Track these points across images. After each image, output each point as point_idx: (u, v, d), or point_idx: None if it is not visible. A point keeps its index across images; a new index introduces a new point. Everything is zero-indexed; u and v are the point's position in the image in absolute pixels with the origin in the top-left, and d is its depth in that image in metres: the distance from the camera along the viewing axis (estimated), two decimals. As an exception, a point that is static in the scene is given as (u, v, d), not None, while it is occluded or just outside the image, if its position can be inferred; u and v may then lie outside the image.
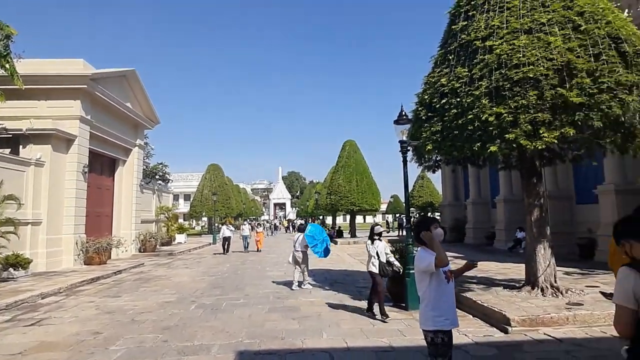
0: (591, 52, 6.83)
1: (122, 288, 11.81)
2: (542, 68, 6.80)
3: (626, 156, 11.17)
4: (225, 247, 21.87)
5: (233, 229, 24.42)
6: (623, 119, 6.66)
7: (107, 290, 11.44)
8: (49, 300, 10.10)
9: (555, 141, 6.85)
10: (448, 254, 13.57)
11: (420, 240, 3.78)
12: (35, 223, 14.73)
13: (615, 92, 6.59)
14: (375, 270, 7.74)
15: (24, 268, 13.13)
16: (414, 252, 8.48)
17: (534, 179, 8.52)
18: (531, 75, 6.83)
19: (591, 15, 7.13)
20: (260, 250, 23.07)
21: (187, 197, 67.94)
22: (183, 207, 63.02)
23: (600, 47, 6.84)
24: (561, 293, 7.84)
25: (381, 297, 7.63)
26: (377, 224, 8.61)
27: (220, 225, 28.22)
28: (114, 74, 19.21)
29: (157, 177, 35.47)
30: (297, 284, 10.78)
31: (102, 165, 19.99)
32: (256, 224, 32.20)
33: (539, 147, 6.79)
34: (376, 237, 7.94)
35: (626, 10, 13.04)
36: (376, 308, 7.63)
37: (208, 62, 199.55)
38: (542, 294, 7.86)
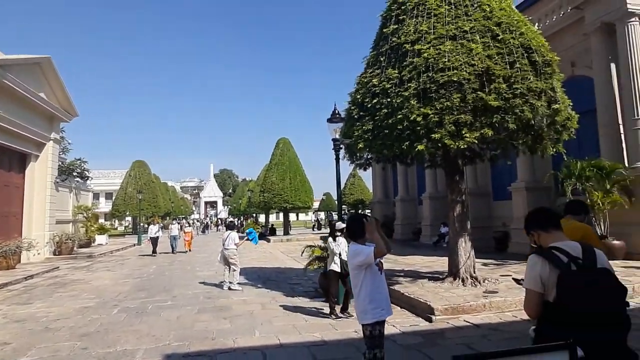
0: (507, 60, 7.41)
1: (33, 294, 10.80)
2: (465, 73, 7.25)
3: (535, 156, 12.31)
4: (155, 247, 20.68)
5: (161, 227, 22.51)
6: (533, 122, 7.31)
7: (16, 297, 10.40)
8: (-56, 310, 8.97)
9: (476, 141, 7.35)
10: (378, 248, 13.59)
11: (351, 235, 3.81)
12: None
13: (527, 97, 7.21)
14: (337, 269, 7.28)
15: None
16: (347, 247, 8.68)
17: (456, 177, 9.07)
18: (455, 79, 7.26)
19: (507, 26, 7.73)
20: (189, 251, 21.73)
21: (108, 195, 63.70)
22: (104, 206, 59.15)
23: (515, 55, 7.44)
24: (479, 282, 8.43)
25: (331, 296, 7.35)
26: (337, 221, 8.30)
27: (146, 225, 26.44)
28: (25, 60, 17.47)
29: (74, 174, 32.85)
30: (227, 283, 10.49)
31: (10, 161, 18.06)
32: (185, 223, 30.82)
33: (462, 147, 7.25)
34: (338, 234, 7.50)
35: (537, 23, 14.34)
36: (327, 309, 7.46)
37: (134, 53, 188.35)
38: (463, 284, 8.40)
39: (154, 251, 20.54)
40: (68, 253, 20.64)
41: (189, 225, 25.78)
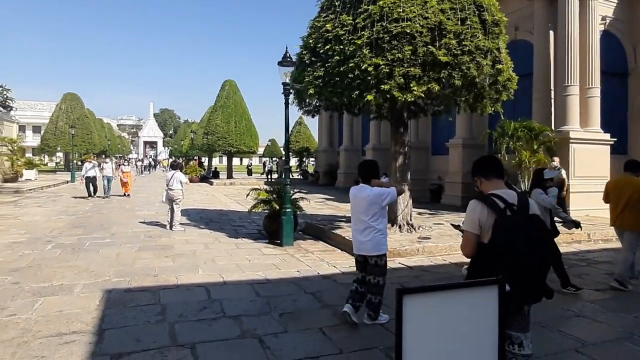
0: (459, 15, 7.55)
1: (-48, 228, 10.06)
2: (418, 25, 7.31)
3: (473, 115, 12.94)
4: (90, 189, 17.36)
5: (98, 166, 18.39)
6: (477, 80, 7.62)
7: None
8: None
9: (423, 95, 7.57)
10: (321, 196, 14.60)
11: (368, 176, 4.42)
12: None
13: (474, 55, 7.46)
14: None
15: None
16: (290, 193, 8.85)
17: (401, 129, 9.36)
18: (408, 31, 7.31)
19: (462, -19, 7.78)
20: (128, 195, 18.32)
21: (36, 129, 58.71)
22: (32, 140, 54.67)
23: (467, 12, 7.59)
24: (414, 229, 9.03)
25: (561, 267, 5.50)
26: (544, 168, 6.78)
27: (79, 163, 23.44)
28: None
29: (-5, 102, 29.81)
30: (169, 223, 10.38)
31: None
32: (123, 162, 26.63)
33: (409, 99, 7.45)
34: (548, 185, 5.85)
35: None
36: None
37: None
38: (400, 231, 8.96)
39: (93, 193, 17.43)
40: (-10, 187, 19.15)
41: (127, 164, 21.10)
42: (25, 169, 25.49)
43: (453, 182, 15.55)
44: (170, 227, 10.21)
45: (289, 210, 8.57)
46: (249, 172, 41.10)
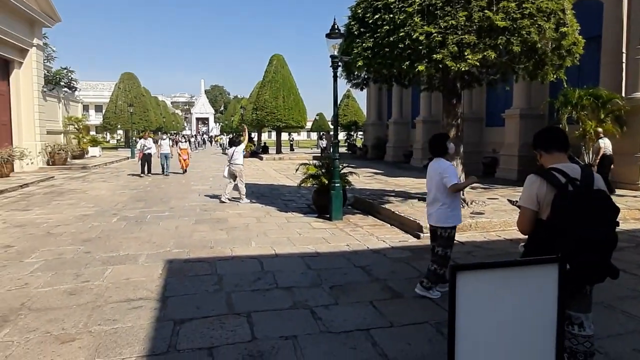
0: (519, -25, 7.00)
1: (31, 201, 11.03)
2: (473, -12, 6.88)
3: (533, 84, 12.16)
4: (145, 167, 17.08)
5: (154, 144, 18.31)
6: (539, 45, 7.11)
7: (14, 204, 10.63)
8: (-55, 214, 9.18)
9: (478, 64, 7.20)
10: (369, 170, 14.53)
11: (436, 153, 4.52)
12: None
13: (535, 18, 6.94)
14: None
15: None
16: (339, 167, 8.85)
17: (454, 100, 9.00)
18: (463, -5, 6.91)
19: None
20: (186, 171, 18.05)
21: (98, 108, 62.31)
22: (95, 119, 58.02)
23: (528, -29, 7.02)
24: (467, 204, 8.77)
25: None
26: None
27: (137, 139, 22.96)
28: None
29: (61, 83, 31.76)
30: (227, 196, 10.76)
31: (-8, 66, 17.37)
32: (180, 138, 26.25)
33: (463, 69, 7.12)
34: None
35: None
36: None
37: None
38: (451, 205, 8.73)
39: (144, 171, 17.01)
40: (62, 163, 20.70)
41: (185, 141, 20.54)
42: (91, 146, 27.24)
43: (509, 154, 14.85)
44: (238, 200, 10.68)
45: (338, 184, 8.59)
46: (291, 148, 41.28)
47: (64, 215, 9.14)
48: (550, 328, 2.03)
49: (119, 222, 8.47)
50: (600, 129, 10.88)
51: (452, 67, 7.10)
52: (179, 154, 18.34)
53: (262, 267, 5.61)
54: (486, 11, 6.89)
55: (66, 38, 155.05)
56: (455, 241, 6.79)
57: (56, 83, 28.97)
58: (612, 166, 10.76)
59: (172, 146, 19.17)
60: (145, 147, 17.10)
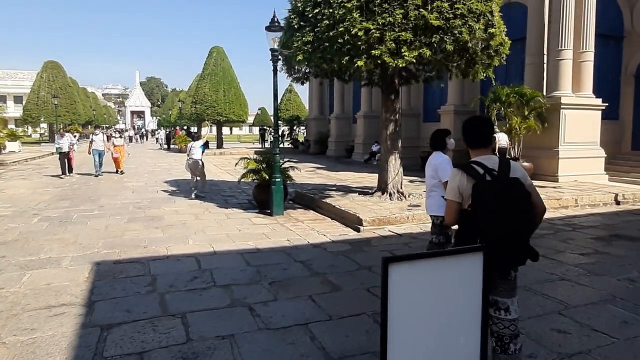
0: (452, -24, 7.28)
1: (-64, 202, 9.89)
2: (409, -14, 7.06)
3: (465, 81, 12.77)
4: (64, 166, 14.89)
5: (75, 139, 16.42)
6: (469, 44, 7.45)
7: None
8: None
9: (414, 61, 7.40)
10: (311, 165, 14.53)
11: (435, 147, 4.67)
12: None
13: (466, 19, 7.26)
14: None
15: None
16: (279, 162, 8.77)
17: (392, 96, 9.22)
18: (399, -7, 7.07)
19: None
20: (121, 172, 15.90)
21: (17, 99, 57.16)
22: (13, 110, 53.35)
23: (460, -28, 7.32)
24: (405, 197, 9.05)
25: None
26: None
27: (71, 134, 18.75)
28: None
29: (-27, 71, 28.78)
30: (195, 191, 10.75)
31: None
32: (114, 132, 23.46)
33: (400, 65, 7.29)
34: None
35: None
36: None
37: None
38: (390, 198, 8.98)
39: (64, 171, 14.89)
40: (-26, 160, 18.78)
41: (120, 136, 18.18)
42: (8, 141, 24.98)
43: (444, 149, 15.52)
44: (196, 196, 10.59)
45: (279, 179, 8.51)
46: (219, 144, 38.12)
47: (-25, 216, 8.28)
48: (476, 314, 2.12)
49: (40, 222, 7.81)
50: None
51: (390, 63, 7.25)
52: (112, 152, 15.85)
53: (200, 265, 5.41)
54: (421, 10, 7.10)
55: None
56: (392, 233, 7.04)
57: (-33, 70, 26.22)
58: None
59: (107, 141, 16.58)
60: (63, 144, 14.82)
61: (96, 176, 14.97)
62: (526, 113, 11.96)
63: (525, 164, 11.94)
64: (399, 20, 7.11)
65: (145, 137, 56.91)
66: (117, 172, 15.96)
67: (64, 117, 38.32)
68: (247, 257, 5.77)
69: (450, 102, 15.52)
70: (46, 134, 50.17)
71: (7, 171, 16.95)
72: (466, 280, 2.09)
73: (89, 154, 15.39)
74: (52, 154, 25.49)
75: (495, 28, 7.81)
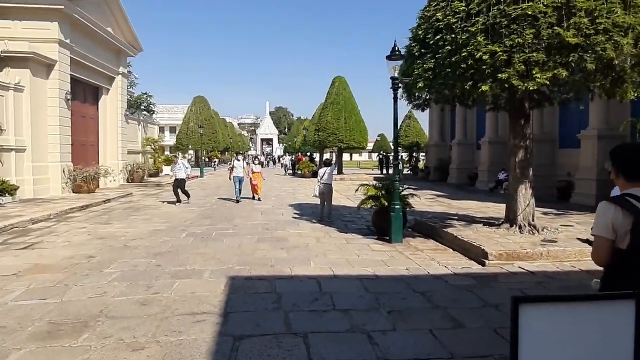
0: (593, -10, 6.65)
1: (112, 216, 12.00)
2: (541, 5, 6.62)
3: (611, 102, 11.30)
4: (178, 193, 14.37)
5: (189, 167, 16.22)
6: (616, 62, 6.66)
7: (97, 218, 11.62)
8: (40, 226, 10.25)
9: (548, 82, 6.86)
10: (431, 192, 14.23)
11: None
12: (19, 150, 14.52)
13: (611, 34, 6.51)
14: None
15: (11, 195, 13.15)
16: (399, 189, 8.74)
17: (521, 121, 8.61)
18: (530, 13, 6.66)
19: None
20: (259, 199, 15.74)
21: (172, 129, 66.81)
22: (169, 139, 62.22)
23: (603, -15, 6.65)
24: (538, 231, 8.24)
25: None
26: None
27: (207, 160, 19.78)
28: (92, -5, 18.05)
29: (142, 107, 34.64)
30: (322, 215, 11.46)
31: (85, 94, 19.39)
32: (253, 159, 22.50)
33: (531, 88, 6.81)
34: None
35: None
36: None
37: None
38: (520, 232, 8.26)
39: (179, 199, 14.34)
40: (139, 181, 22.42)
41: (258, 163, 17.37)
42: (165, 166, 29.20)
43: (586, 179, 13.81)
44: (322, 218, 11.35)
45: (398, 206, 8.48)
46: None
47: (139, 229, 9.84)
48: (627, 372, 1.86)
49: (187, 238, 8.95)
50: None
51: (520, 87, 6.82)
52: (251, 179, 15.73)
53: (320, 287, 5.64)
54: (556, 28, 6.59)
55: (145, 64, 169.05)
56: (523, 270, 6.46)
57: (137, 107, 31.60)
58: None
59: (246, 167, 16.24)
60: (178, 172, 14.52)
61: (237, 202, 15.08)
62: (695, 136, 10.09)
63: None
64: (530, 41, 6.68)
65: (274, 163, 61.83)
66: (253, 198, 15.91)
67: (207, 144, 43.53)
68: (365, 283, 5.84)
69: (593, 126, 13.81)
70: (192, 159, 57.45)
71: (163, 191, 19.80)
72: (614, 331, 1.86)
73: (230, 179, 15.64)
74: (197, 177, 29.14)
75: (649, 42, 6.84)
